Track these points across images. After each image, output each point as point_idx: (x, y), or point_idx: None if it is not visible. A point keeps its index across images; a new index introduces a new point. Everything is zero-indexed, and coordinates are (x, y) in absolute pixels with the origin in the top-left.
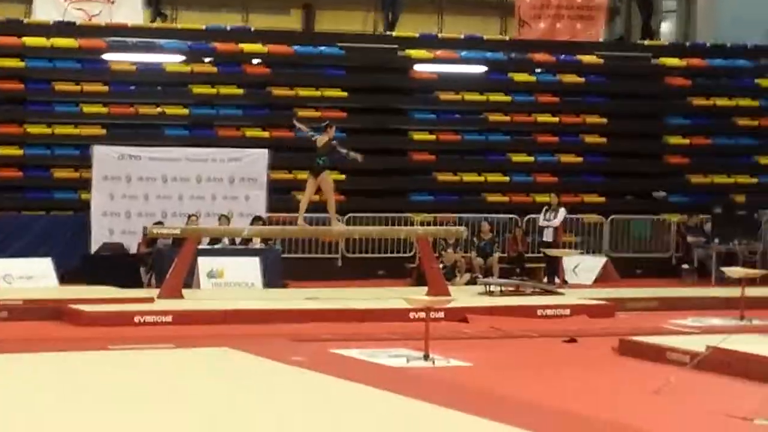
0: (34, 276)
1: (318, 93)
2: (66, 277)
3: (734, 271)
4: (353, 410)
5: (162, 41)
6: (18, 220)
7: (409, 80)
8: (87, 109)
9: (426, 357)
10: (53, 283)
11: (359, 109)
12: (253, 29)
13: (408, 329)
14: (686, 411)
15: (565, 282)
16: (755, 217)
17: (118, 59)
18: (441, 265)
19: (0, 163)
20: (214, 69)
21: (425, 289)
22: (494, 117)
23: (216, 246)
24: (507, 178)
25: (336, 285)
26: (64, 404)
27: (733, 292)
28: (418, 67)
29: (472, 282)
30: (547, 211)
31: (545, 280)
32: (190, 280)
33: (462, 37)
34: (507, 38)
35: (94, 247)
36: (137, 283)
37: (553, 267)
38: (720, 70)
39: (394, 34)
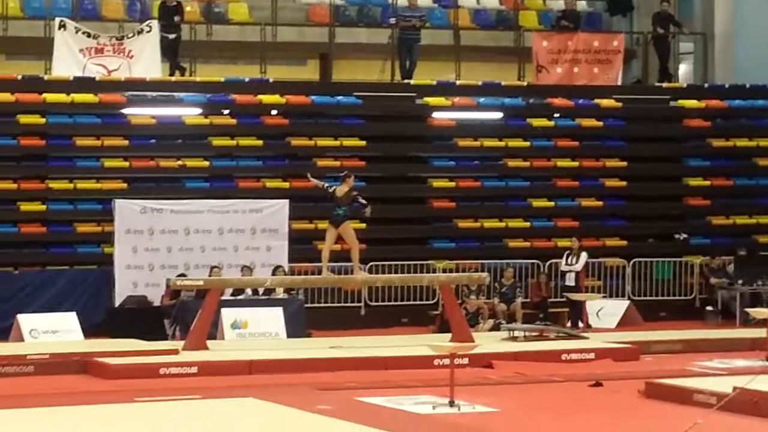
0: (59, 330)
1: (337, 142)
2: (91, 330)
3: (759, 312)
4: None
5: (181, 94)
6: (42, 276)
7: (427, 128)
8: (108, 163)
9: (452, 403)
10: (78, 336)
11: (378, 157)
12: (271, 80)
13: (433, 376)
14: None
15: (588, 326)
16: None
17: (138, 113)
18: (464, 312)
19: (23, 219)
20: (233, 121)
21: (449, 335)
22: (513, 162)
23: (239, 297)
24: (528, 224)
25: (359, 333)
26: None
27: (759, 333)
28: (436, 115)
29: (496, 328)
30: (568, 255)
31: (569, 324)
32: (214, 331)
33: (479, 83)
34: (525, 84)
35: (118, 301)
36: (161, 336)
37: (577, 311)
38: (739, 110)
39: (411, 82)
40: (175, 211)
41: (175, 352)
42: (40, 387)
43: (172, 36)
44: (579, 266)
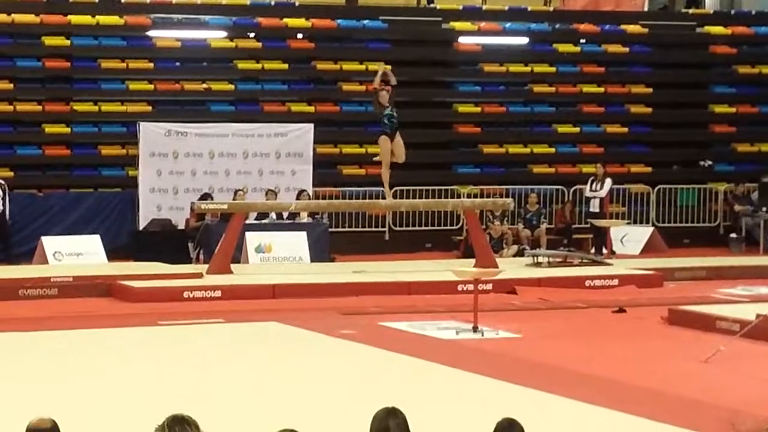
0: (83, 253)
1: (362, 67)
2: (114, 253)
3: None
4: (404, 382)
5: (206, 17)
6: (66, 198)
7: (452, 53)
8: (133, 86)
9: (475, 329)
10: (102, 259)
11: (403, 82)
12: (296, 4)
13: (456, 301)
14: (737, 379)
15: (612, 252)
16: None
17: (163, 36)
18: (488, 237)
19: (48, 141)
20: (259, 44)
21: (473, 261)
22: (539, 88)
23: (263, 221)
24: (553, 150)
25: (383, 258)
26: (115, 381)
27: None
28: (462, 40)
29: (520, 254)
30: (593, 182)
31: (593, 250)
32: (238, 255)
33: (506, 8)
34: (551, 9)
35: (142, 224)
36: (186, 259)
37: (601, 238)
38: (765, 37)
39: (437, 6)
40: (200, 135)
41: (199, 275)
42: (64, 309)
43: None
44: (603, 192)
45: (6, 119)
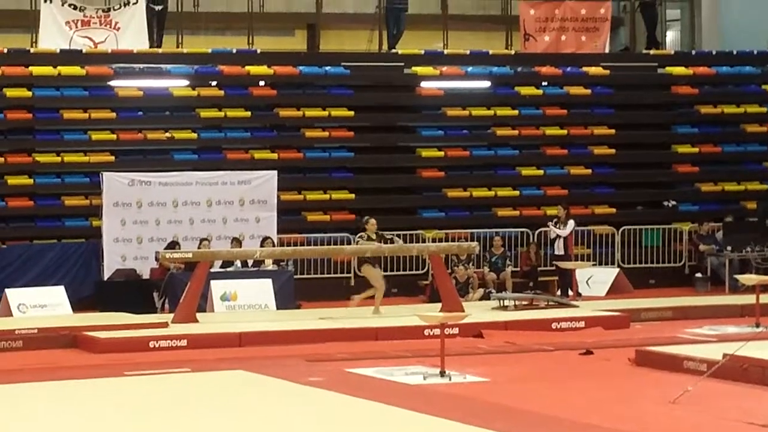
0: (47, 304)
1: (325, 113)
2: (79, 304)
3: (748, 279)
4: (372, 428)
5: (168, 66)
6: (30, 250)
7: (415, 97)
8: (95, 136)
9: (442, 373)
10: (67, 310)
11: (366, 127)
12: (258, 51)
13: (423, 346)
14: (705, 419)
15: (578, 294)
16: (767, 223)
17: (125, 85)
18: (454, 281)
19: (11, 193)
20: (221, 92)
21: (439, 305)
22: (502, 131)
23: (228, 269)
24: (517, 192)
25: (349, 304)
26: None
27: (748, 299)
28: (424, 84)
29: (486, 297)
30: (556, 223)
31: (559, 293)
32: (203, 303)
33: (467, 53)
34: (512, 52)
35: (106, 274)
36: (151, 309)
37: (566, 280)
38: (727, 77)
39: (399, 51)
40: (164, 184)
41: (165, 325)
42: (29, 362)
43: (158, 7)
44: (565, 232)
45: None
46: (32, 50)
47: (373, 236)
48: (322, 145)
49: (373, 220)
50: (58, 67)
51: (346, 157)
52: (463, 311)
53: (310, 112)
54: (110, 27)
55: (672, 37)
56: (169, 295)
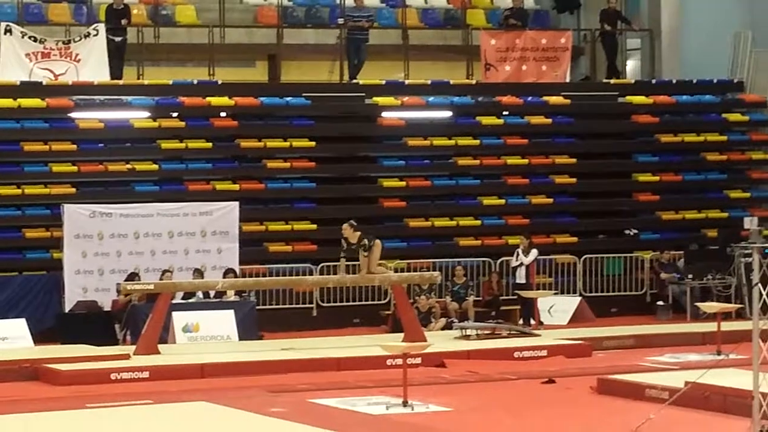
0: (8, 337)
1: (286, 144)
2: (41, 336)
3: (709, 306)
4: None
5: (129, 98)
6: None
7: (376, 127)
8: (56, 168)
9: (405, 403)
10: (28, 343)
11: (328, 158)
12: (219, 82)
13: (386, 376)
14: None
15: (540, 323)
16: (727, 251)
17: (86, 117)
18: (416, 311)
19: None
20: (182, 123)
21: (401, 335)
22: (463, 161)
23: (190, 300)
24: (478, 222)
25: (311, 335)
26: None
27: (709, 327)
28: (385, 114)
29: (448, 327)
30: (519, 254)
31: (521, 322)
32: (165, 335)
33: (428, 82)
34: (473, 82)
35: (68, 306)
36: (112, 341)
37: (528, 309)
38: (687, 106)
39: (360, 82)
40: (125, 215)
41: (127, 357)
42: None
43: (119, 39)
44: (529, 259)
45: None
46: None
47: (353, 241)
48: (283, 176)
49: (346, 225)
50: (18, 99)
51: (308, 188)
52: (426, 341)
53: (272, 143)
54: (70, 59)
55: (632, 66)
56: (131, 326)
